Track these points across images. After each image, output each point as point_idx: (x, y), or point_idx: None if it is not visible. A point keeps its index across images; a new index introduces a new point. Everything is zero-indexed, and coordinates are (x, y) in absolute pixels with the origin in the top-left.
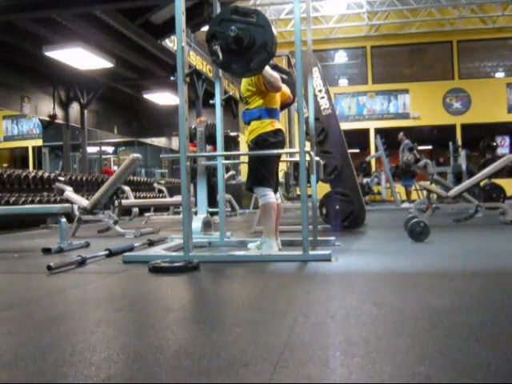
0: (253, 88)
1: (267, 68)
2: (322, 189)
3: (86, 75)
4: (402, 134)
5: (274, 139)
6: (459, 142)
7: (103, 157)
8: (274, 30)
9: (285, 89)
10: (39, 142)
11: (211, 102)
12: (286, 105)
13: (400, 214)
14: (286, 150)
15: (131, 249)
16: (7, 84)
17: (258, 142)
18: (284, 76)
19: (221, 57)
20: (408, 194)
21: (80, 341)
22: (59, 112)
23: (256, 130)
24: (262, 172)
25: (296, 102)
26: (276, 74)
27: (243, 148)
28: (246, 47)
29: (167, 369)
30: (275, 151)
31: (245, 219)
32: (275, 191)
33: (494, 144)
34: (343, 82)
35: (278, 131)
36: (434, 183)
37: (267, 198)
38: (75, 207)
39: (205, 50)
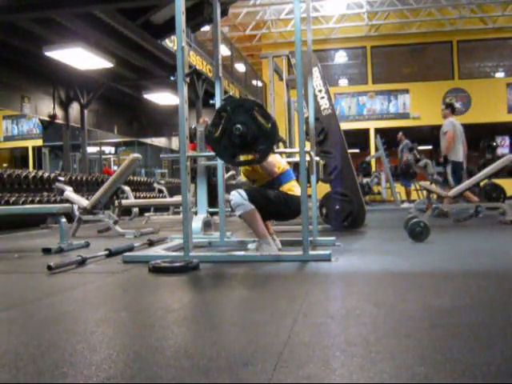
0: (249, 167)
1: None
2: (321, 189)
3: (86, 75)
4: (401, 133)
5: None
6: None
7: (103, 157)
8: (277, 138)
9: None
10: (39, 142)
11: (211, 102)
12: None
13: (400, 214)
14: (286, 150)
15: (131, 249)
16: (7, 84)
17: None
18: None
19: (219, 131)
20: (408, 194)
21: (80, 341)
22: (59, 112)
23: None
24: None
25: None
26: (271, 159)
27: None
28: (249, 142)
29: (167, 369)
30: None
31: None
32: None
33: (494, 144)
34: (343, 82)
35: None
36: (434, 183)
37: (244, 207)
38: (75, 207)
39: (205, 50)
